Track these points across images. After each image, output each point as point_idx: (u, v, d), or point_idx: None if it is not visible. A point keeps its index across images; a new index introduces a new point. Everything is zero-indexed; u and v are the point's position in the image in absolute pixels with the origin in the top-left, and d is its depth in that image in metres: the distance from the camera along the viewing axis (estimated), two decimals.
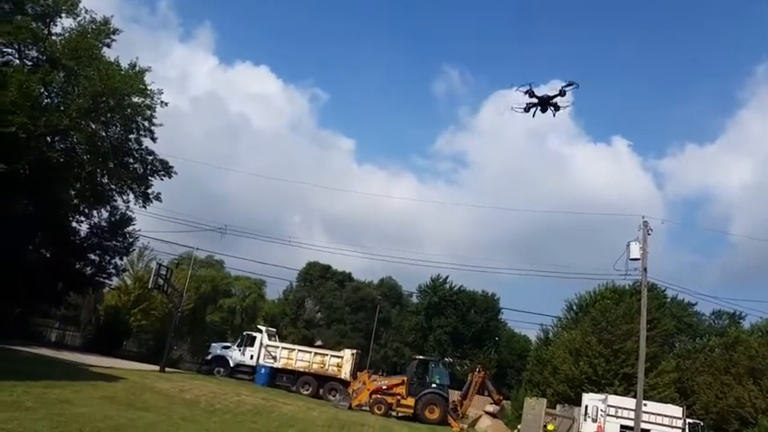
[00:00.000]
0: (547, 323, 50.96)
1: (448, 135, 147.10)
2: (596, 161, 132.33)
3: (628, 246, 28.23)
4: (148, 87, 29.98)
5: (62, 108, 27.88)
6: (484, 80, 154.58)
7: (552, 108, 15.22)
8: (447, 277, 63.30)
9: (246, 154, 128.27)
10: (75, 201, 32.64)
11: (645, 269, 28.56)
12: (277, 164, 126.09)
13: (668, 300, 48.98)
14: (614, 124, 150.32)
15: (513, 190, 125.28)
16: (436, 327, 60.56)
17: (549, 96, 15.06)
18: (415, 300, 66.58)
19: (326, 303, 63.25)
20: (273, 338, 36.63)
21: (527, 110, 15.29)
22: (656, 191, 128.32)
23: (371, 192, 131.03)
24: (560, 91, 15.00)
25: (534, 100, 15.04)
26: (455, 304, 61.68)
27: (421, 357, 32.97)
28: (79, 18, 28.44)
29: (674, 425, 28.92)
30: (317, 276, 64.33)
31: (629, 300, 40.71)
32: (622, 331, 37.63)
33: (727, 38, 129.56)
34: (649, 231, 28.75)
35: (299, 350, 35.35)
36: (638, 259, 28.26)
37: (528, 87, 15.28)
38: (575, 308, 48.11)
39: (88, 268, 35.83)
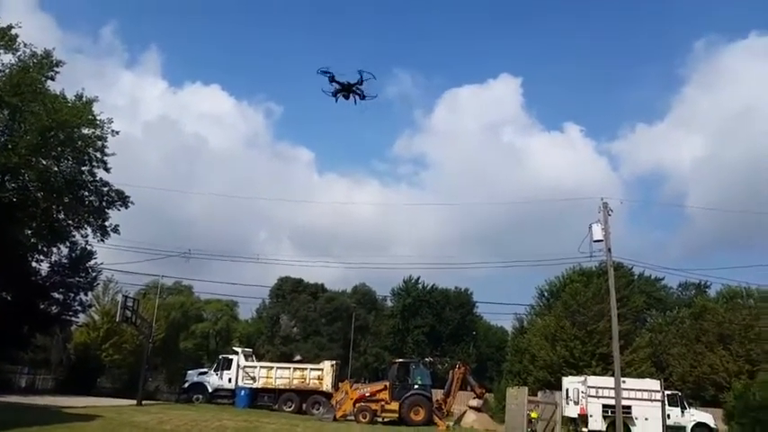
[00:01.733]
0: (521, 312, 51.66)
1: (405, 138, 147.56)
2: (551, 149, 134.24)
3: (590, 228, 28.77)
4: (97, 117, 29.55)
5: (9, 146, 27.18)
6: (436, 80, 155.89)
7: (357, 95, 15.60)
8: (419, 278, 63.63)
9: (205, 175, 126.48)
10: (33, 240, 31.84)
11: (609, 249, 29.14)
12: (238, 182, 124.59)
13: (636, 277, 50.07)
14: (565, 111, 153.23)
15: (474, 186, 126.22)
16: (413, 328, 60.73)
17: (350, 83, 15.38)
18: (389, 303, 66.65)
19: (301, 317, 62.79)
20: (250, 359, 36.22)
21: (334, 95, 15.62)
22: (612, 173, 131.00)
23: (335, 200, 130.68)
24: (359, 79, 15.36)
25: (338, 86, 15.41)
26: (429, 303, 61.98)
27: (401, 360, 33.00)
28: (18, 53, 27.79)
29: (653, 398, 29.48)
30: (290, 291, 63.85)
31: (597, 281, 41.49)
32: (594, 312, 38.34)
33: (664, 17, 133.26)
34: (610, 212, 29.35)
35: (277, 367, 34.99)
36: (601, 240, 28.82)
37: (329, 74, 15.60)
38: (546, 294, 48.88)
39: (53, 307, 35.02)
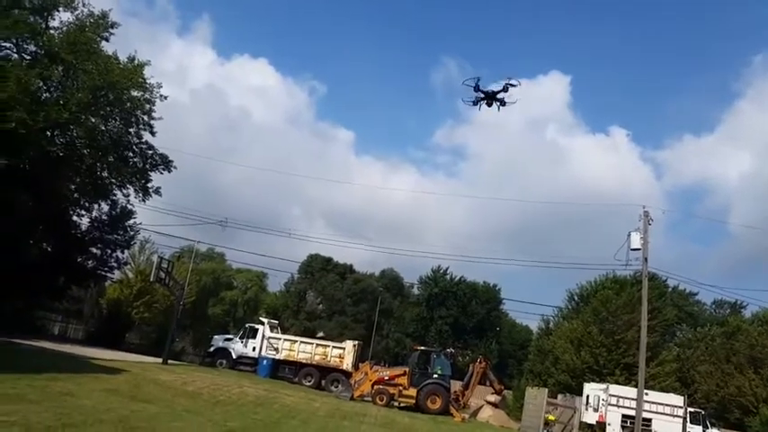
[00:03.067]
0: (548, 313, 51.12)
1: (447, 128, 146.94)
2: (595, 151, 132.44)
3: (628, 235, 28.23)
4: (147, 81, 29.94)
5: (61, 102, 27.81)
6: (483, 72, 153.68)
7: (498, 103, 16.25)
8: (447, 268, 63.51)
9: (246, 147, 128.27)
10: (76, 195, 32.62)
11: (645, 259, 28.57)
12: (277, 156, 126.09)
13: (669, 289, 49.10)
14: (612, 114, 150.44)
15: (512, 181, 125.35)
16: (437, 318, 60.76)
17: (494, 92, 16.06)
18: (416, 291, 66.74)
19: (328, 295, 63.35)
20: (275, 330, 36.70)
21: (475, 103, 16.34)
22: (655, 181, 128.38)
23: (371, 183, 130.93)
24: (504, 87, 16.02)
25: (481, 95, 16.07)
26: (456, 295, 61.86)
27: (423, 348, 33.02)
28: (77, 12, 28.30)
29: (675, 414, 29.03)
30: (319, 269, 64.42)
31: (629, 289, 40.76)
32: (623, 321, 37.72)
33: (724, 28, 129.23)
34: (650, 221, 28.75)
35: (300, 342, 35.39)
36: (638, 249, 28.27)
37: (475, 83, 16.36)
38: (576, 298, 48.21)
39: (90, 262, 35.92)
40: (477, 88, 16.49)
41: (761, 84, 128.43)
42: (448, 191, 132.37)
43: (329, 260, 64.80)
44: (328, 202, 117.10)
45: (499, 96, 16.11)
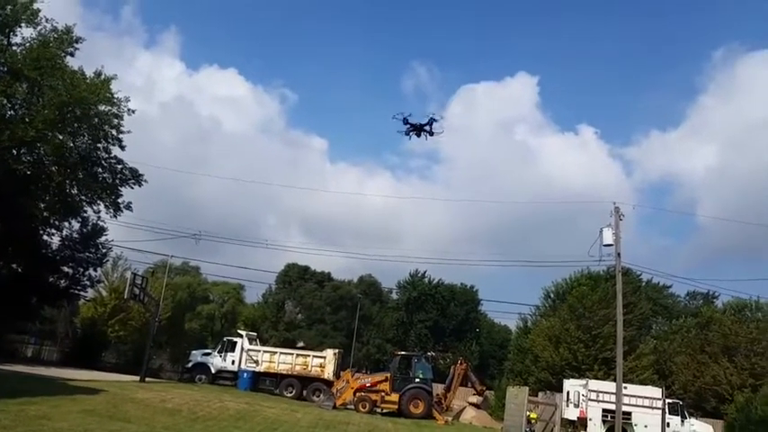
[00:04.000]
0: (525, 312, 51.56)
1: None
2: (565, 150, 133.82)
3: (601, 232, 28.66)
4: (115, 95, 29.59)
5: (27, 120, 27.33)
6: (451, 75, 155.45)
7: (426, 133, 18.83)
8: (425, 272, 63.62)
9: (219, 158, 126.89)
10: (45, 213, 32.05)
11: (618, 254, 29.02)
12: (250, 166, 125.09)
13: (643, 283, 49.79)
14: (580, 113, 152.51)
15: (485, 183, 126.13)
16: (417, 321, 60.81)
17: (421, 124, 18.61)
18: (394, 296, 66.74)
19: (306, 304, 63.02)
20: (254, 342, 36.45)
21: (407, 133, 18.82)
22: (625, 177, 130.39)
23: (346, 190, 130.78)
24: (428, 121, 18.72)
25: (410, 127, 18.58)
26: (434, 298, 62.00)
27: (403, 353, 33.08)
28: (39, 27, 27.81)
29: (654, 406, 29.46)
30: (296, 278, 64.08)
31: (604, 285, 41.32)
32: (599, 316, 38.22)
33: (685, 24, 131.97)
34: (621, 217, 29.22)
35: (280, 353, 35.20)
36: (611, 245, 28.71)
37: (403, 117, 18.89)
38: (552, 296, 48.71)
39: (62, 281, 35.31)
40: (405, 122, 18.83)
41: (721, 78, 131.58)
42: (423, 195, 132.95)
43: (306, 269, 64.50)
44: (304, 210, 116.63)
45: (426, 128, 18.52)
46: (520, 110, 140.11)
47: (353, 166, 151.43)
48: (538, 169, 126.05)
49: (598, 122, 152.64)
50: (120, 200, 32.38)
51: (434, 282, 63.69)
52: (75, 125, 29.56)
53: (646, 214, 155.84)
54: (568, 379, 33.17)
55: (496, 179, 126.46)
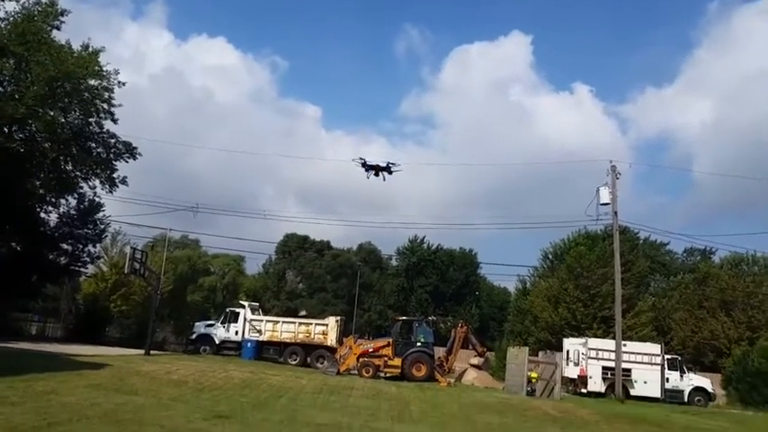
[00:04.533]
0: (524, 274, 51.95)
1: (413, 97, 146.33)
2: (560, 110, 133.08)
3: (597, 191, 28.72)
4: (104, 68, 29.27)
5: (16, 97, 27.05)
6: (444, 38, 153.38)
7: (385, 173, 21.50)
8: (424, 237, 63.90)
9: (212, 129, 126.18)
10: (41, 191, 31.99)
11: (615, 213, 29.13)
12: (244, 137, 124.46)
13: (641, 241, 50.10)
14: (575, 71, 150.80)
15: (481, 146, 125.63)
16: (417, 287, 61.31)
17: (379, 166, 21.15)
18: (394, 263, 67.12)
19: (307, 273, 63.39)
20: (257, 312, 36.70)
21: (366, 171, 21.52)
22: (621, 135, 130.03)
23: (342, 158, 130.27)
24: (387, 165, 21.25)
25: (369, 169, 21.50)
26: (434, 263, 62.40)
27: (404, 318, 33.36)
28: (23, 1, 27.35)
29: (653, 362, 29.90)
30: (296, 247, 64.32)
31: (602, 244, 41.61)
32: (598, 276, 38.53)
33: None
34: (618, 175, 29.25)
35: (283, 322, 35.49)
36: (608, 204, 28.79)
37: (362, 162, 21.37)
38: (550, 257, 49.04)
39: (62, 258, 35.41)
40: (364, 164, 21.44)
41: (716, 31, 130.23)
42: (419, 161, 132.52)
43: (306, 238, 64.68)
44: (301, 180, 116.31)
45: (384, 170, 21.30)
46: (514, 70, 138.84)
47: (348, 134, 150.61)
48: (533, 130, 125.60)
49: (593, 81, 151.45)
50: (115, 175, 32.27)
51: (433, 247, 64.01)
52: (66, 100, 29.28)
53: (642, 172, 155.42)
54: (568, 338, 33.57)
55: (492, 142, 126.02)
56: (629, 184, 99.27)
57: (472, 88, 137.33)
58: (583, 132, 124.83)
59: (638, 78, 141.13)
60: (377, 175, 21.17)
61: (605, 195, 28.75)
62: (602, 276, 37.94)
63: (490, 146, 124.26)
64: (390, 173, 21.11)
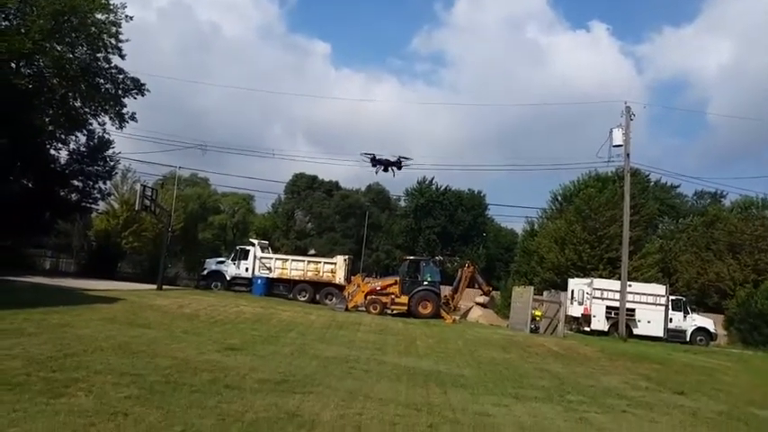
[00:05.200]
0: (532, 216, 52.03)
1: (424, 34, 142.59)
2: (576, 48, 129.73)
3: (610, 132, 28.40)
4: (110, 2, 28.71)
5: (23, 31, 26.69)
6: None
7: (394, 168, 22.03)
8: (433, 178, 63.74)
9: (220, 65, 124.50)
10: (51, 127, 32.00)
11: (627, 155, 28.89)
12: (253, 74, 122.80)
13: (651, 183, 49.79)
14: (592, 8, 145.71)
15: (493, 86, 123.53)
16: (425, 228, 61.61)
17: (389, 161, 21.52)
18: (403, 203, 67.27)
19: (316, 213, 63.75)
20: (266, 250, 37.14)
21: (374, 165, 21.89)
22: (636, 76, 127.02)
23: (351, 97, 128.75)
24: (398, 159, 21.58)
25: (378, 165, 21.63)
26: (442, 205, 62.47)
27: (412, 257, 33.71)
28: None
29: (657, 302, 30.24)
30: (305, 187, 64.47)
31: (612, 186, 41.39)
32: (606, 218, 38.47)
33: None
34: (632, 117, 28.84)
35: (292, 260, 35.95)
36: (620, 145, 28.51)
37: (371, 157, 21.65)
38: (559, 198, 48.92)
39: (73, 195, 35.74)
40: (373, 159, 21.73)
41: None
42: (429, 100, 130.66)
43: (314, 178, 64.73)
44: (309, 118, 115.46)
45: (393, 166, 21.60)
46: (530, 6, 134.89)
47: (357, 73, 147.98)
48: (548, 70, 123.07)
49: (610, 19, 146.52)
50: (124, 111, 32.17)
51: (442, 188, 63.93)
52: (73, 35, 28.93)
53: (656, 114, 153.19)
54: (573, 279, 33.89)
55: (505, 81, 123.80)
56: (643, 126, 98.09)
57: (486, 25, 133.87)
58: (598, 72, 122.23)
59: (656, 17, 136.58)
60: (386, 170, 21.87)
61: (618, 137, 28.43)
62: (611, 218, 37.91)
63: (503, 86, 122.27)
64: (400, 168, 21.61)
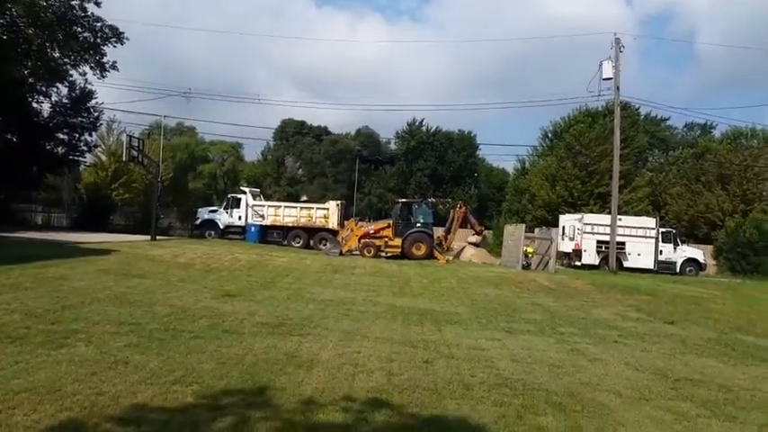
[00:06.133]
0: (523, 154, 51.99)
1: None
2: None
3: (600, 65, 28.09)
4: None
5: None
6: None
7: (385, 165, 23.58)
8: (423, 120, 63.04)
9: (198, 10, 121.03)
10: (31, 80, 31.29)
11: (617, 88, 28.68)
12: (233, 17, 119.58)
13: (641, 117, 49.59)
14: None
15: (480, 21, 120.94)
16: (416, 170, 61.37)
17: (379, 159, 24.78)
18: (393, 147, 66.79)
19: (306, 159, 63.30)
20: (258, 198, 37.07)
21: (364, 163, 21.84)
22: (626, 7, 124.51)
23: (336, 37, 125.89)
24: (388, 158, 21.50)
25: (369, 161, 22.51)
26: (433, 146, 62.02)
27: (404, 200, 33.78)
28: None
29: (647, 235, 30.65)
30: (293, 133, 63.78)
31: (602, 121, 41.29)
32: (596, 153, 38.53)
33: None
34: (621, 49, 28.50)
35: (285, 206, 35.95)
36: (610, 78, 28.26)
37: (363, 157, 21.24)
38: (549, 135, 48.83)
39: (59, 148, 35.27)
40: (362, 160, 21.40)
41: None
42: (416, 38, 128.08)
43: (303, 124, 63.98)
44: (294, 62, 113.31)
45: (384, 164, 23.33)
46: None
47: (341, 11, 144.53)
48: (537, 3, 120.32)
49: None
50: (104, 60, 31.45)
51: (432, 130, 63.40)
52: None
53: (646, 48, 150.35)
54: (564, 215, 34.17)
55: (492, 16, 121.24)
56: (633, 59, 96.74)
57: None
58: (588, 4, 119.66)
59: None
60: (376, 168, 25.02)
61: (608, 70, 28.13)
62: (601, 153, 37.95)
63: (490, 21, 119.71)
64: (393, 165, 24.51)
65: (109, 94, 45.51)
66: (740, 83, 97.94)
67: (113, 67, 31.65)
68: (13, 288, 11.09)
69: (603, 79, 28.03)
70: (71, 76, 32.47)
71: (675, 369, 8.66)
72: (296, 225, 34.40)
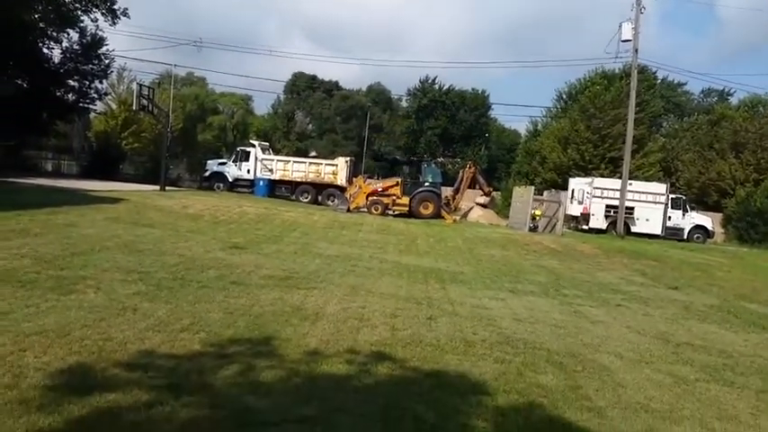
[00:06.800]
0: (536, 115, 51.41)
1: None
2: None
3: (620, 26, 27.44)
4: None
5: None
6: None
7: (404, 165, 24.26)
8: (435, 78, 62.26)
9: None
10: (41, 24, 30.98)
11: (636, 50, 28.08)
12: None
13: (658, 81, 48.79)
14: None
15: None
16: (427, 129, 60.93)
17: (396, 159, 24.81)
18: (404, 104, 66.18)
19: (316, 114, 62.95)
20: (267, 152, 36.99)
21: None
22: None
23: None
24: (408, 159, 24.31)
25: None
26: (445, 105, 61.40)
27: (413, 159, 33.61)
28: None
29: (657, 201, 30.47)
30: (304, 87, 63.26)
31: (618, 84, 40.60)
32: (611, 116, 38.00)
33: None
34: (642, 10, 27.77)
35: (294, 161, 35.91)
36: (629, 40, 27.64)
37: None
38: (564, 97, 48.15)
39: (69, 95, 35.10)
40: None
41: None
42: None
43: (314, 78, 63.40)
44: (306, 13, 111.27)
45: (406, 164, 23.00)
46: None
47: None
48: None
49: None
50: (115, 6, 31.08)
51: (444, 88, 62.62)
52: None
53: (666, 10, 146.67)
54: (574, 178, 33.95)
55: None
56: (653, 22, 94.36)
57: None
58: None
59: None
60: (392, 168, 25.24)
61: (627, 31, 27.48)
62: (615, 117, 37.43)
63: None
64: (410, 165, 24.52)
65: (120, 41, 45.10)
66: (763, 49, 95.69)
67: (125, 14, 31.32)
68: (23, 234, 11.18)
69: (622, 41, 27.41)
70: (82, 21, 32.15)
71: (677, 334, 8.72)
72: (304, 180, 34.40)
